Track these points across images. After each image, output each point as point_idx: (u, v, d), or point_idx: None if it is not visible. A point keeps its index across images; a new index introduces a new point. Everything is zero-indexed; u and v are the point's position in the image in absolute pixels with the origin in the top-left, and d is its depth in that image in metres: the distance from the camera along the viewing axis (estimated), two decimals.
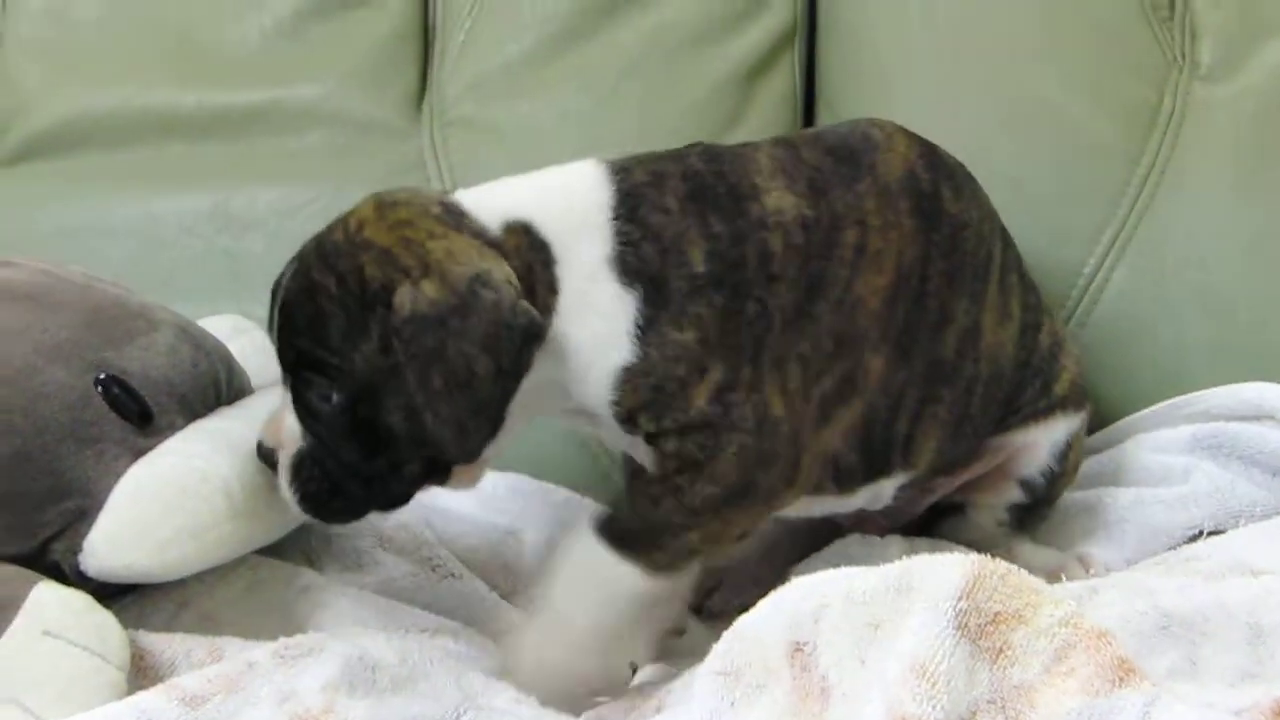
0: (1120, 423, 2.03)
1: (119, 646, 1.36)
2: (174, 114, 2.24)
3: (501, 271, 1.48)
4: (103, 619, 1.37)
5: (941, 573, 1.21)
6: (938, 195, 1.68)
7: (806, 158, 1.64)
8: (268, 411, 1.61)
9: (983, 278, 1.71)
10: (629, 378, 1.53)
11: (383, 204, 1.54)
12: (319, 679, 1.35)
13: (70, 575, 1.47)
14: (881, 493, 1.74)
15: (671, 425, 1.53)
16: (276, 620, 1.57)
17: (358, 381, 1.49)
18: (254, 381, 1.79)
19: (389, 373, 1.47)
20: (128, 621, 1.41)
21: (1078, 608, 1.21)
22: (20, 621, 1.32)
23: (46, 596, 1.36)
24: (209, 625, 1.54)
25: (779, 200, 1.59)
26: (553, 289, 1.54)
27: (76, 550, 1.46)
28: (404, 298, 1.45)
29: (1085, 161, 2.12)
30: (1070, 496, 1.91)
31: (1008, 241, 1.78)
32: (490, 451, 1.56)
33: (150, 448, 1.53)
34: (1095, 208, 2.10)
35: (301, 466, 1.55)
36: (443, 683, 1.43)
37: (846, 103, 2.22)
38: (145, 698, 1.28)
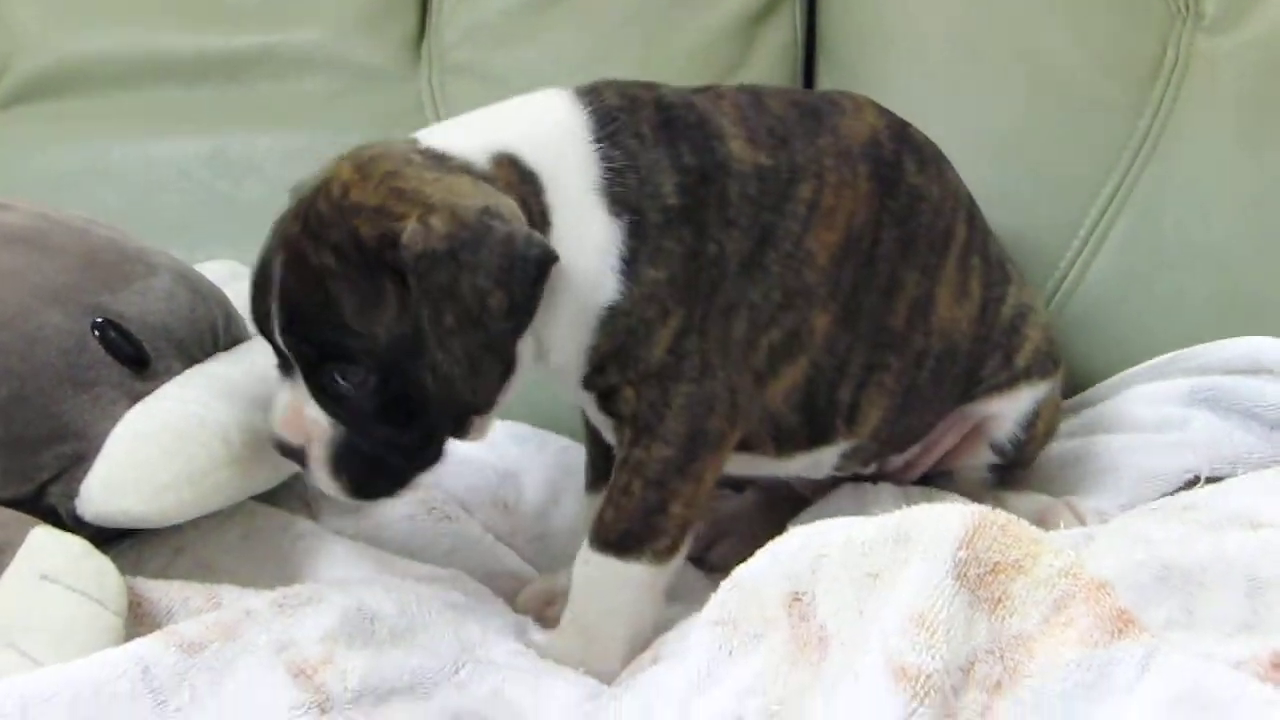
0: (1116, 377, 2.03)
1: (117, 592, 1.35)
2: (172, 57, 2.24)
3: (507, 204, 1.45)
4: (100, 564, 1.36)
5: (941, 523, 1.21)
6: (899, 165, 1.68)
7: (771, 106, 1.64)
8: (266, 356, 1.57)
9: (939, 252, 1.70)
10: (611, 318, 1.52)
11: (361, 163, 1.49)
12: (318, 629, 1.35)
13: (67, 519, 1.47)
14: (822, 460, 1.74)
15: (632, 376, 1.54)
16: (272, 568, 1.57)
17: (383, 357, 1.44)
18: (251, 328, 1.78)
19: (412, 335, 1.42)
20: (124, 567, 1.40)
21: (1078, 558, 1.21)
22: (17, 565, 1.32)
23: (44, 540, 1.35)
24: (205, 572, 1.53)
25: (740, 149, 1.58)
26: (545, 220, 1.51)
27: (73, 495, 1.47)
28: (414, 236, 1.40)
29: (1086, 114, 2.11)
30: (1064, 444, 1.92)
31: (975, 223, 1.77)
32: (500, 398, 1.54)
33: (147, 393, 1.53)
34: (1095, 161, 2.09)
35: (340, 457, 1.50)
36: (441, 634, 1.42)
37: (847, 54, 2.22)
38: (143, 644, 1.28)
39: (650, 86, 1.62)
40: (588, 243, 1.51)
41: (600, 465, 1.73)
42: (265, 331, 1.51)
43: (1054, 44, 2.13)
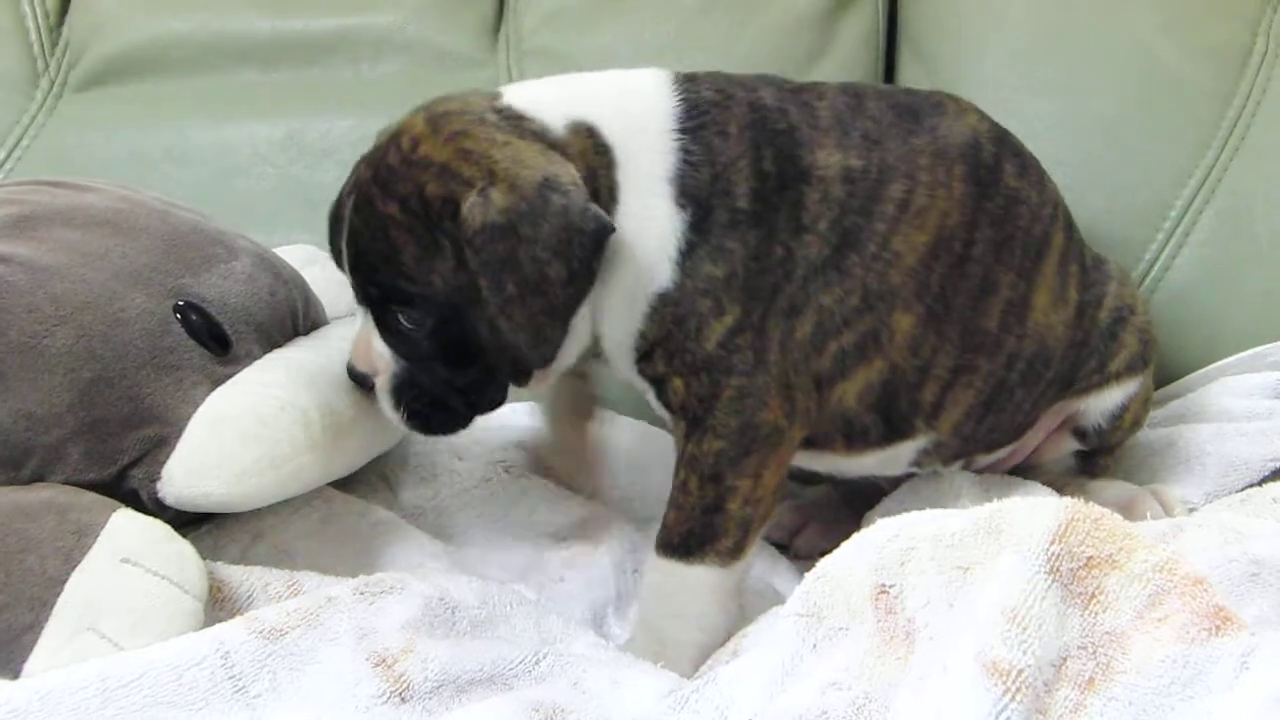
0: (1204, 370, 2.01)
1: (197, 576, 1.35)
2: (249, 40, 2.24)
3: (568, 174, 1.48)
4: (181, 548, 1.36)
5: (1033, 516, 1.20)
6: (998, 168, 1.66)
7: (869, 108, 1.64)
8: (345, 342, 1.62)
9: (1036, 257, 1.68)
10: (660, 305, 1.54)
11: (435, 117, 1.54)
12: (399, 618, 1.35)
13: (148, 503, 1.46)
14: (898, 456, 1.72)
15: (680, 366, 1.54)
16: (350, 554, 1.57)
17: (440, 303, 1.50)
18: (328, 312, 1.78)
19: (469, 288, 1.48)
20: (203, 551, 1.40)
21: (1173, 554, 1.19)
22: (99, 548, 1.32)
23: (125, 524, 1.35)
24: (283, 557, 1.54)
25: (827, 156, 1.58)
26: (613, 195, 1.54)
27: (155, 478, 1.46)
28: (474, 209, 1.45)
29: (1175, 102, 2.09)
30: (1151, 433, 1.90)
31: (1071, 233, 1.75)
32: (564, 356, 1.58)
33: (228, 376, 1.53)
34: (1184, 149, 2.07)
35: (401, 389, 1.57)
36: (522, 626, 1.42)
37: (929, 43, 2.20)
38: (223, 629, 1.28)
39: (750, 85, 1.62)
40: (651, 227, 1.53)
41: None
42: (339, 265, 1.58)
43: (1141, 33, 2.11)
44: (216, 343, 1.53)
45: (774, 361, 1.54)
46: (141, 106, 2.22)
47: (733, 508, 1.54)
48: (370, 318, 1.56)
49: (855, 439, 1.66)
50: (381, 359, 1.57)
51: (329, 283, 1.85)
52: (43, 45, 2.28)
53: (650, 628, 1.56)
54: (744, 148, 1.56)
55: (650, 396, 1.61)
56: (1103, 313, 1.75)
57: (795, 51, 2.15)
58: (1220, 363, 1.99)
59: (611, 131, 1.55)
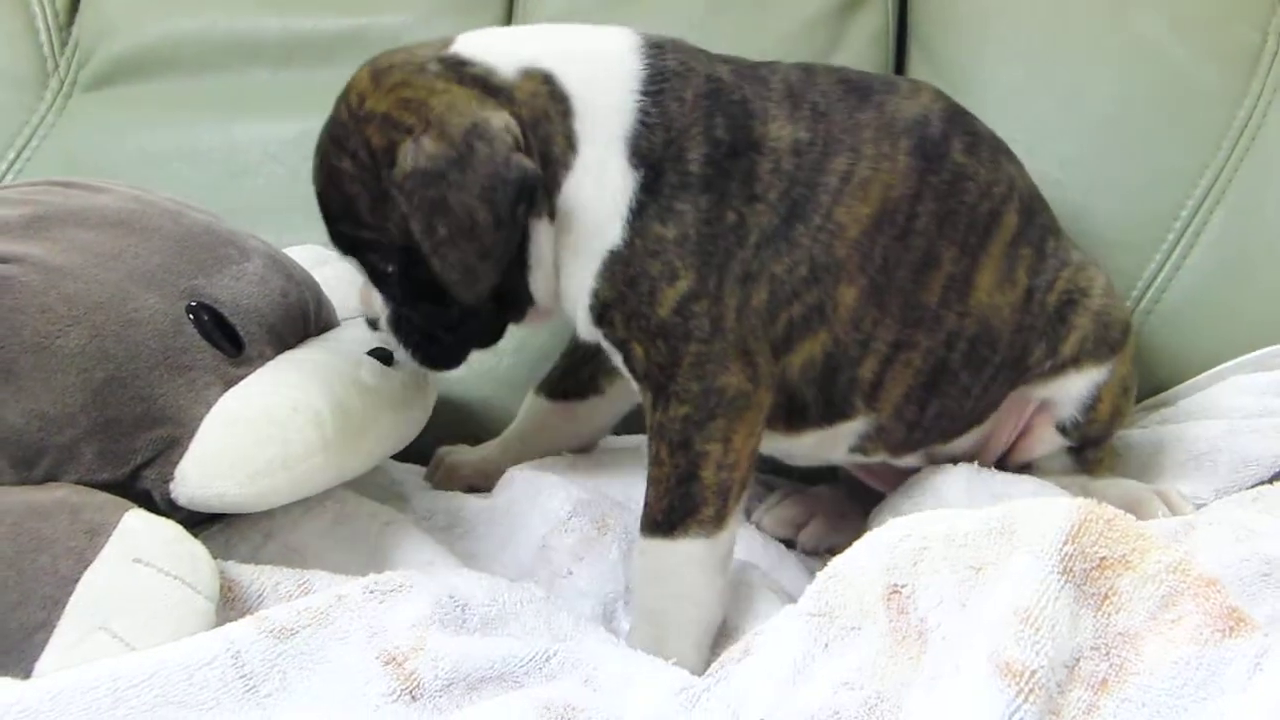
0: (1215, 369, 2.00)
1: (209, 576, 1.35)
2: (258, 40, 2.23)
3: (500, 120, 1.53)
4: (193, 548, 1.36)
5: (1046, 516, 1.20)
6: (945, 142, 1.68)
7: (819, 83, 1.67)
8: (356, 344, 1.66)
9: (983, 234, 1.69)
10: (611, 263, 1.57)
11: (377, 70, 1.60)
12: (409, 616, 1.35)
13: (160, 504, 1.46)
14: (837, 438, 1.72)
15: (638, 332, 1.57)
16: (362, 554, 1.57)
17: (399, 248, 1.56)
18: (340, 313, 1.78)
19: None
20: (214, 551, 1.40)
21: (1187, 554, 1.19)
22: (111, 548, 1.32)
23: (137, 524, 1.35)
24: (295, 557, 1.54)
25: (779, 128, 1.62)
26: (571, 145, 1.58)
27: (168, 479, 1.46)
28: (405, 155, 1.52)
29: (1186, 103, 2.08)
30: (1160, 430, 1.90)
31: (1035, 219, 1.75)
32: (548, 298, 1.65)
33: (240, 377, 1.53)
34: (1195, 150, 2.07)
35: (398, 326, 1.65)
36: (533, 624, 1.42)
37: (939, 41, 2.20)
38: (234, 629, 1.28)
39: (710, 59, 1.66)
40: (606, 183, 1.58)
41: (563, 371, 1.87)
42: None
43: (1151, 32, 2.10)
44: (229, 344, 1.54)
45: (731, 328, 1.56)
46: (151, 106, 2.21)
47: (707, 474, 1.55)
48: (361, 269, 1.63)
49: (795, 417, 1.68)
50: (378, 303, 1.64)
51: (340, 283, 1.85)
52: (52, 45, 2.27)
53: (648, 614, 1.57)
54: (698, 115, 1.59)
55: (619, 363, 1.63)
56: (1051, 296, 1.75)
57: (805, 52, 2.14)
58: (1231, 362, 1.98)
59: (570, 81, 1.59)
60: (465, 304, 1.58)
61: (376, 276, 1.62)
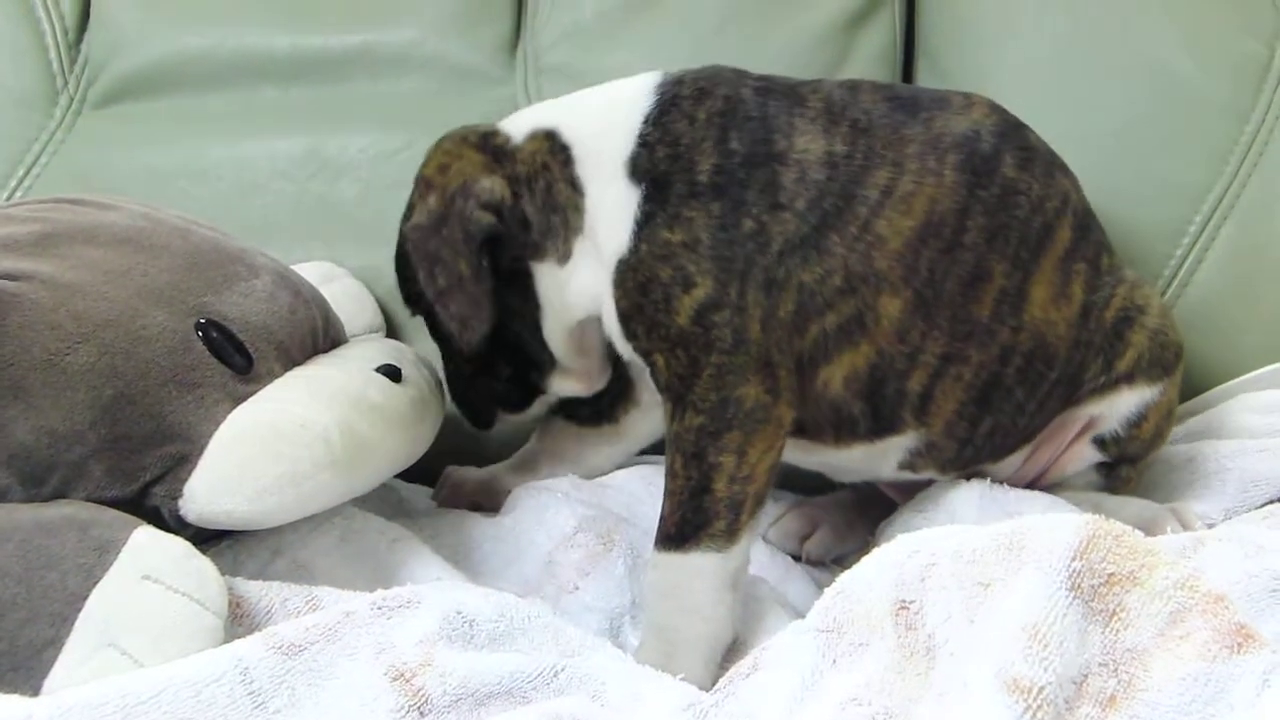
0: (1223, 386, 2.00)
1: (217, 593, 1.35)
2: (267, 57, 2.23)
3: (488, 182, 1.67)
4: (202, 565, 1.35)
5: (1054, 532, 1.20)
6: (996, 158, 1.68)
7: (863, 101, 1.69)
8: (364, 360, 1.67)
9: (1036, 248, 1.69)
10: (622, 272, 1.62)
11: (442, 141, 1.74)
12: (417, 632, 1.34)
13: (169, 520, 1.46)
14: (887, 452, 1.72)
15: (659, 341, 1.59)
16: (370, 571, 1.57)
17: (423, 302, 1.69)
18: (348, 330, 1.79)
19: None
20: (222, 568, 1.40)
21: (1194, 571, 1.19)
22: (120, 565, 1.31)
23: (146, 541, 1.35)
24: (303, 573, 1.54)
25: (809, 142, 1.64)
26: (578, 188, 1.67)
27: (176, 495, 1.46)
28: (418, 210, 1.69)
29: (1193, 118, 2.09)
30: (1171, 449, 1.89)
31: (1085, 233, 1.75)
32: (569, 359, 1.76)
33: (249, 394, 1.53)
34: (1203, 165, 2.07)
35: (451, 381, 1.84)
36: (540, 639, 1.42)
37: (947, 56, 2.20)
38: (242, 645, 1.28)
39: (738, 81, 1.70)
40: (610, 205, 1.65)
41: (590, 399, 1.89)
42: None
43: (1159, 48, 2.10)
44: (238, 361, 1.53)
45: (755, 340, 1.57)
46: (160, 123, 2.22)
47: (719, 487, 1.55)
48: None
49: (844, 430, 1.68)
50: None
51: (347, 300, 1.86)
52: (61, 62, 2.28)
53: (657, 629, 1.56)
54: (710, 131, 1.64)
55: (648, 378, 1.65)
56: (1109, 312, 1.75)
57: (813, 66, 2.15)
58: (1240, 379, 1.98)
59: (573, 133, 1.69)
60: (470, 355, 1.71)
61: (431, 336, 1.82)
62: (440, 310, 1.65)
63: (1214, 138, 2.07)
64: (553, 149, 1.69)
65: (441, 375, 1.84)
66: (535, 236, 1.68)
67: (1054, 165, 1.73)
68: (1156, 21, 2.11)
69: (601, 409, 1.90)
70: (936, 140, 1.67)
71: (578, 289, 1.69)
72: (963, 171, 1.66)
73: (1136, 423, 1.77)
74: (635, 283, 1.60)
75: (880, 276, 1.62)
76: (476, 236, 1.64)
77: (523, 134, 1.71)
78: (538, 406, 1.85)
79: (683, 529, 1.55)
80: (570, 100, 1.76)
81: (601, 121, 1.68)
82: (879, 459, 1.73)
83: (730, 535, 1.55)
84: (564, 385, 1.80)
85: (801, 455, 1.71)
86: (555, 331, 1.73)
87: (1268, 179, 2.05)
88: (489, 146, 1.71)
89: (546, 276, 1.69)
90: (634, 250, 1.61)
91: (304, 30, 2.24)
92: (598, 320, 1.71)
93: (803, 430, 1.66)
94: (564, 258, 1.68)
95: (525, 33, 2.25)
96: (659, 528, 1.57)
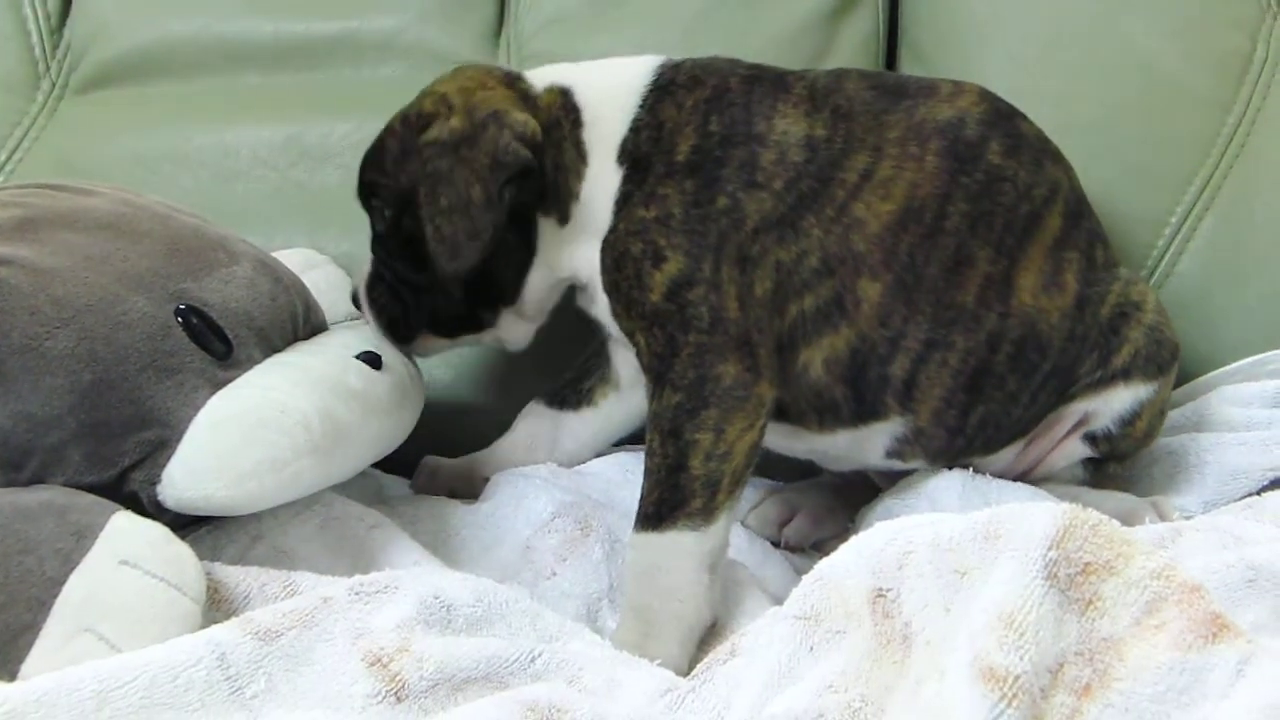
0: (1203, 378, 2.01)
1: (195, 578, 1.35)
2: (250, 44, 2.24)
3: (522, 118, 1.66)
4: (180, 550, 1.35)
5: (1031, 521, 1.20)
6: (982, 144, 1.70)
7: (847, 87, 1.71)
8: (345, 348, 1.67)
9: (1021, 236, 1.70)
10: (604, 248, 1.66)
11: (460, 69, 1.80)
12: (394, 617, 1.34)
13: (148, 506, 1.46)
14: (873, 437, 1.73)
15: (637, 318, 1.61)
16: (349, 556, 1.57)
17: (400, 196, 1.70)
18: (328, 317, 1.79)
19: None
20: (202, 553, 1.40)
21: (1171, 560, 1.19)
22: (97, 550, 1.31)
23: (124, 525, 1.34)
24: (282, 559, 1.54)
25: (789, 125, 1.67)
26: (581, 155, 1.70)
27: (155, 481, 1.46)
28: (436, 126, 1.67)
29: (1175, 110, 2.10)
30: (1153, 443, 1.88)
31: (1079, 221, 1.76)
32: (533, 308, 1.77)
33: (229, 380, 1.53)
34: (1184, 156, 2.08)
35: (373, 286, 1.81)
36: (518, 624, 1.42)
37: (930, 46, 2.21)
38: (219, 631, 1.28)
39: (729, 71, 1.73)
40: (601, 183, 1.69)
41: (566, 381, 1.93)
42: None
43: (1141, 40, 2.11)
44: (218, 347, 1.53)
45: (733, 319, 1.58)
46: (142, 109, 2.22)
47: (695, 464, 1.56)
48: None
49: (826, 414, 1.69)
50: (366, 267, 1.78)
51: (329, 287, 1.85)
52: (44, 47, 2.28)
53: (634, 609, 1.57)
54: (694, 115, 1.68)
55: (631, 358, 1.70)
56: (1105, 308, 1.75)
57: (796, 55, 2.15)
58: (1220, 370, 1.99)
59: (585, 97, 1.72)
60: (442, 277, 1.68)
61: (374, 230, 1.78)
62: (432, 228, 1.64)
63: (1196, 129, 2.08)
64: (565, 105, 1.72)
65: (364, 282, 1.82)
66: (547, 188, 1.71)
67: (1044, 153, 1.74)
68: (1140, 13, 2.12)
69: (581, 392, 1.91)
70: (919, 126, 1.68)
71: (570, 254, 1.73)
72: (945, 157, 1.67)
73: (1130, 421, 1.78)
74: (612, 259, 1.64)
75: (859, 259, 1.63)
76: (510, 167, 1.63)
77: (543, 85, 1.74)
78: (464, 340, 1.85)
79: (660, 508, 1.56)
80: (585, 66, 1.79)
81: (607, 93, 1.72)
82: (864, 445, 1.74)
83: (707, 515, 1.55)
84: (509, 330, 1.82)
85: (788, 441, 1.72)
86: (537, 281, 1.76)
87: (1249, 170, 2.06)
88: (515, 86, 1.74)
89: (548, 231, 1.73)
90: (613, 229, 1.66)
91: (287, 17, 2.24)
92: (573, 285, 1.77)
93: (786, 414, 1.67)
94: (564, 219, 1.72)
95: (508, 20, 2.25)
96: (638, 508, 1.58)
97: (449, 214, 1.63)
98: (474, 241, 1.63)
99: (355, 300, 1.82)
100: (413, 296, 1.78)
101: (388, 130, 1.75)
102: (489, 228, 1.63)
